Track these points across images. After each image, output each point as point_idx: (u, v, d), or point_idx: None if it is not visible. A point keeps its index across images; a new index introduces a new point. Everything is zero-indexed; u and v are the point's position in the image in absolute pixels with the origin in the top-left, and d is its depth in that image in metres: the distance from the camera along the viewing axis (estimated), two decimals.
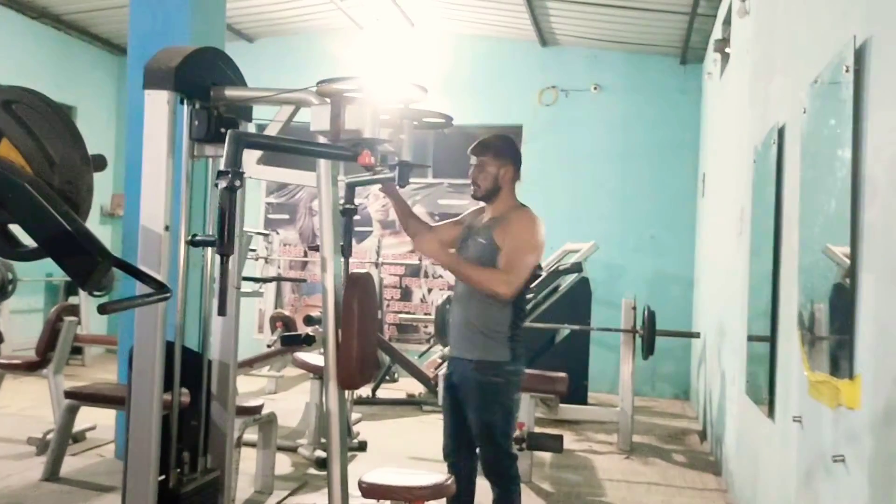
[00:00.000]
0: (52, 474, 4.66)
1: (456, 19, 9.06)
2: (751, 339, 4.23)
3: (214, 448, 3.09)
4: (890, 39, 2.17)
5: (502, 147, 3.37)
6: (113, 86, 10.07)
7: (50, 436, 4.94)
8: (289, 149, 2.85)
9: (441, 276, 9.50)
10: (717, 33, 6.89)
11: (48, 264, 9.64)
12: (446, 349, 7.32)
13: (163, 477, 2.82)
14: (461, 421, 3.39)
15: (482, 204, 3.48)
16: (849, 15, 2.55)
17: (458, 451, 3.48)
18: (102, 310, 1.92)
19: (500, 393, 3.25)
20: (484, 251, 3.26)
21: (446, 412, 3.52)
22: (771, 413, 3.56)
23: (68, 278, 9.76)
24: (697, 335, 7.19)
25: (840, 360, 2.41)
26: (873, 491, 2.13)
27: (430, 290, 9.52)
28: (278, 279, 8.73)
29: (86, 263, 1.96)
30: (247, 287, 7.46)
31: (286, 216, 9.95)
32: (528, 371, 5.89)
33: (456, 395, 3.39)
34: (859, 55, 2.34)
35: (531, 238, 3.27)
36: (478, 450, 3.39)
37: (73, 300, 8.51)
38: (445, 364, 3.58)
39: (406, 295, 9.59)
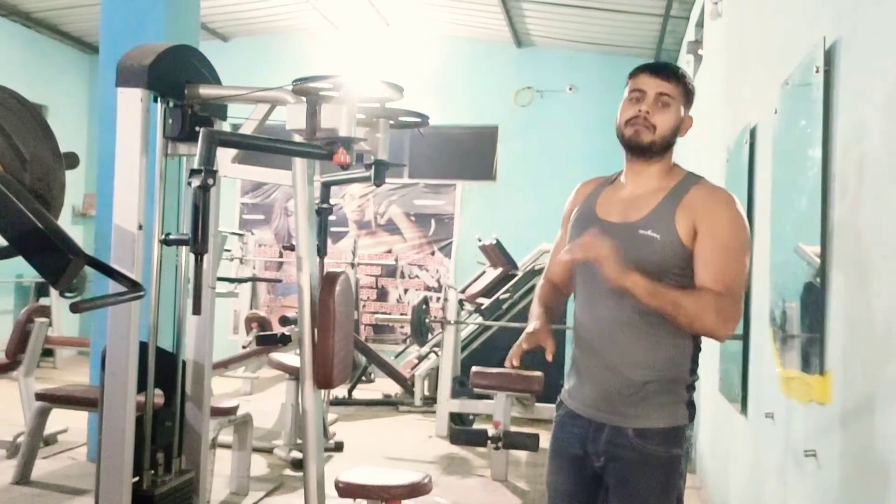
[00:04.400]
0: (23, 478, 4.59)
1: (431, 19, 9.07)
2: None
3: (189, 449, 3.06)
4: (859, 41, 2.21)
5: (692, 87, 2.21)
6: (84, 84, 9.95)
7: (21, 439, 4.87)
8: (263, 147, 2.83)
9: (417, 277, 9.50)
10: (689, 35, 6.97)
11: (18, 265, 9.51)
12: (423, 349, 7.35)
13: (136, 479, 2.79)
14: None
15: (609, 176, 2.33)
16: (819, 17, 2.59)
17: None
18: (75, 308, 1.90)
19: (681, 472, 2.09)
20: (663, 252, 2.01)
21: (562, 500, 2.23)
22: (744, 410, 3.60)
23: (39, 279, 9.62)
24: None
25: (811, 356, 2.45)
26: (844, 484, 2.17)
27: (406, 291, 9.51)
28: (253, 279, 8.67)
29: (58, 261, 1.93)
30: (222, 287, 7.40)
31: (261, 216, 9.89)
32: (503, 370, 5.95)
33: (587, 475, 2.15)
34: (829, 56, 2.38)
35: (738, 224, 2.05)
36: None
37: (44, 301, 8.40)
38: (559, 425, 2.25)
39: (382, 295, 9.58)
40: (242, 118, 3.06)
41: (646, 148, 2.11)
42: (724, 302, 1.95)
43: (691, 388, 2.12)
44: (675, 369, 2.07)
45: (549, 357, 2.08)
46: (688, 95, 2.15)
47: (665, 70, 2.14)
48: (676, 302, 1.94)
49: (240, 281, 8.11)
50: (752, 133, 3.59)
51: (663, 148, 2.11)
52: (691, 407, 2.10)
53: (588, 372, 2.15)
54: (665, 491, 2.05)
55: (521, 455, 5.65)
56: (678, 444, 2.05)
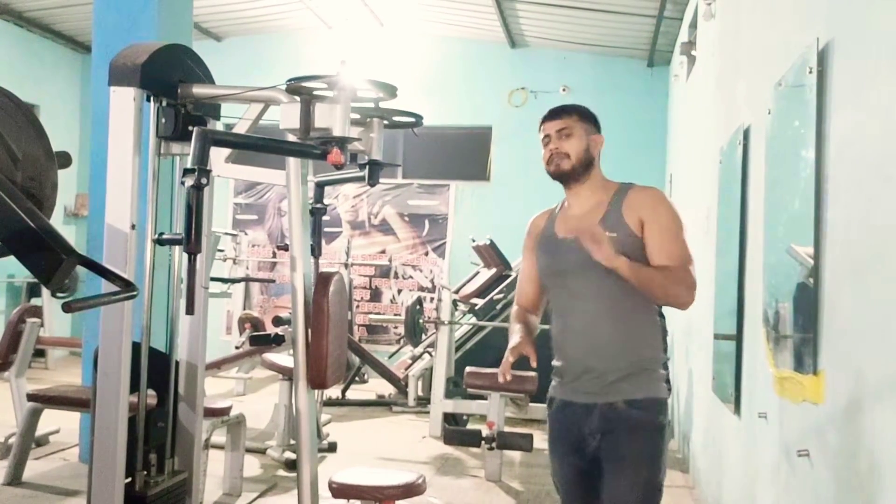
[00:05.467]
0: (14, 479, 4.57)
1: (425, 20, 9.07)
2: (717, 337, 4.29)
3: (182, 450, 3.05)
4: (852, 42, 2.22)
5: (587, 112, 2.57)
6: (76, 84, 9.91)
7: (12, 440, 4.84)
8: (257, 146, 2.83)
9: (411, 277, 9.49)
10: (683, 36, 6.98)
11: (10, 265, 9.46)
12: (416, 349, 7.34)
13: (129, 479, 2.78)
14: (596, 499, 2.39)
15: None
16: (812, 18, 2.59)
17: None
18: (67, 308, 1.89)
19: (666, 440, 2.38)
20: (624, 248, 2.30)
21: (570, 488, 2.46)
22: (737, 410, 3.61)
23: (31, 280, 9.59)
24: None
25: (804, 356, 2.45)
26: (837, 484, 2.17)
27: (399, 291, 9.51)
28: (247, 280, 8.66)
29: (50, 261, 1.92)
30: (215, 288, 7.39)
31: (254, 217, 9.87)
32: (497, 371, 5.93)
33: (587, 457, 2.38)
34: (822, 57, 2.38)
35: (672, 212, 2.42)
36: None
37: (35, 302, 8.37)
38: (554, 417, 2.50)
39: (376, 296, 9.57)
40: (236, 118, 3.05)
41: (570, 173, 2.49)
42: (684, 273, 2.33)
43: (665, 366, 2.41)
44: (650, 349, 2.38)
45: (534, 363, 2.31)
46: (585, 120, 2.53)
47: (557, 111, 2.56)
48: (652, 277, 2.30)
49: (233, 281, 8.10)
50: (746, 134, 3.60)
51: (584, 167, 2.48)
52: (668, 382, 2.41)
53: (575, 364, 2.41)
54: (653, 456, 2.33)
55: (515, 455, 5.64)
56: (663, 413, 2.36)
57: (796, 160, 2.60)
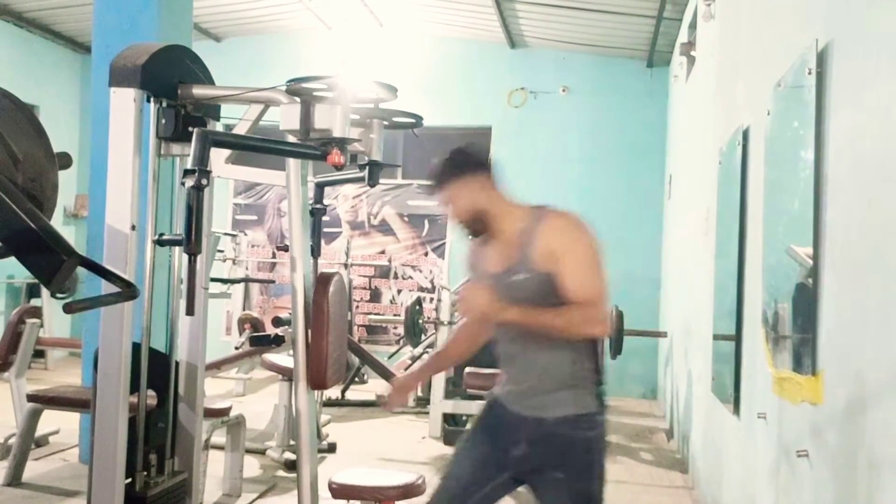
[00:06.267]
0: (14, 479, 4.57)
1: (425, 20, 9.07)
2: (716, 337, 4.29)
3: (182, 450, 3.06)
4: (851, 43, 2.22)
5: (450, 164, 2.47)
6: (76, 84, 9.91)
7: (12, 440, 4.84)
8: (257, 147, 2.83)
9: (410, 278, 9.49)
10: (682, 37, 6.99)
11: (9, 266, 9.44)
12: (416, 350, 7.34)
13: (129, 480, 2.79)
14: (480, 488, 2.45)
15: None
16: (811, 19, 2.60)
17: None
18: (68, 309, 1.90)
19: (598, 451, 2.41)
20: (534, 287, 2.33)
21: (465, 463, 2.50)
22: (736, 410, 3.61)
23: (30, 280, 9.58)
24: (664, 335, 7.27)
25: (803, 357, 2.46)
26: (836, 484, 2.18)
27: (399, 292, 9.51)
28: (246, 280, 8.66)
29: (51, 262, 1.93)
30: (214, 288, 7.39)
31: (254, 217, 9.87)
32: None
33: (503, 457, 2.43)
34: (821, 58, 2.39)
35: (585, 241, 2.38)
36: None
37: (35, 302, 8.36)
38: (488, 409, 2.55)
39: (375, 296, 9.57)
40: (236, 119, 3.05)
41: (479, 231, 2.47)
42: (586, 311, 2.28)
43: (597, 382, 2.42)
44: (577, 367, 2.38)
45: (384, 407, 2.50)
46: (456, 175, 2.43)
47: (430, 187, 2.51)
48: (547, 322, 2.29)
49: (232, 282, 8.10)
50: (745, 134, 3.60)
51: (483, 216, 2.43)
52: (600, 397, 2.41)
53: (511, 379, 2.46)
54: (583, 468, 2.37)
55: None
56: (593, 427, 2.38)
57: (796, 161, 2.61)
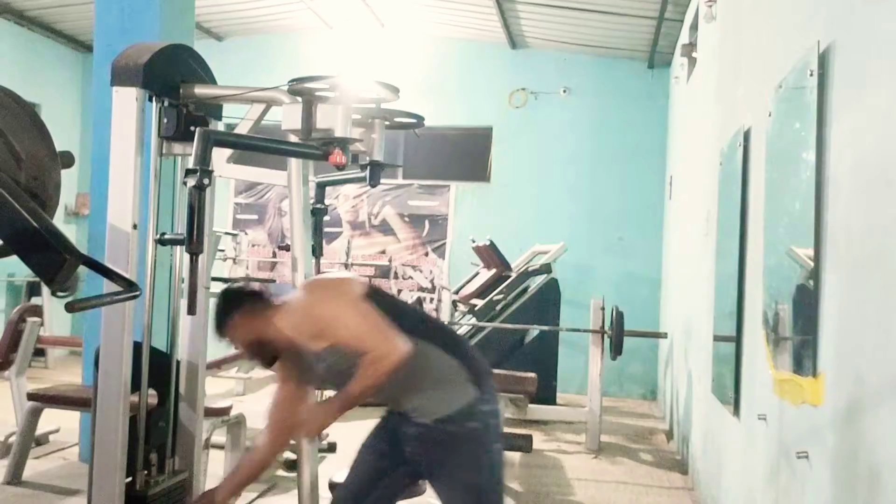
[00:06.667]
0: (14, 478, 4.57)
1: (426, 20, 9.07)
2: (717, 339, 4.29)
3: (182, 449, 3.06)
4: (853, 44, 2.22)
5: (221, 316, 2.53)
6: (77, 83, 9.91)
7: (12, 439, 4.84)
8: (259, 147, 2.84)
9: (411, 278, 9.50)
10: (684, 38, 6.99)
11: (9, 264, 9.43)
12: None
13: (129, 479, 2.79)
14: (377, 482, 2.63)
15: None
16: (813, 20, 2.60)
17: None
18: (70, 307, 1.90)
19: (482, 443, 2.49)
20: (338, 359, 2.47)
21: (365, 463, 2.67)
22: (736, 411, 3.61)
23: (31, 279, 9.57)
24: (665, 335, 7.27)
25: (804, 358, 2.46)
26: (836, 486, 2.18)
27: (399, 292, 9.51)
28: (247, 280, 8.64)
29: (53, 261, 1.93)
30: (215, 288, 7.37)
31: (255, 217, 9.87)
32: (498, 371, 5.94)
33: (396, 454, 2.59)
34: (823, 60, 2.39)
35: (329, 304, 2.48)
36: None
37: (35, 301, 8.36)
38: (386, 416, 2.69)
39: None
40: (237, 118, 3.06)
41: (267, 361, 2.58)
42: (370, 356, 2.36)
43: (470, 372, 2.48)
44: (435, 370, 2.48)
45: None
46: (225, 324, 2.50)
47: (219, 338, 2.57)
48: (363, 391, 2.41)
49: (233, 281, 8.09)
50: (746, 136, 3.60)
51: (271, 349, 2.52)
52: (478, 385, 2.48)
53: (384, 402, 2.64)
54: (472, 461, 2.46)
55: (515, 456, 5.65)
56: (471, 419, 2.45)
57: (797, 162, 2.61)
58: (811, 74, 2.43)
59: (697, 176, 5.60)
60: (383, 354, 2.34)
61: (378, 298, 2.51)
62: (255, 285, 2.66)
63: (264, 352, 2.53)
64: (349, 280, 2.56)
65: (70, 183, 9.25)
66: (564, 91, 9.12)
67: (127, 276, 2.34)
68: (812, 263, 2.39)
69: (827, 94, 2.36)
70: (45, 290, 8.78)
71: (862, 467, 1.98)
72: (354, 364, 2.37)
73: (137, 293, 2.26)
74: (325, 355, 2.47)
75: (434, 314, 6.69)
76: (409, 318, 2.52)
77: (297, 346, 2.48)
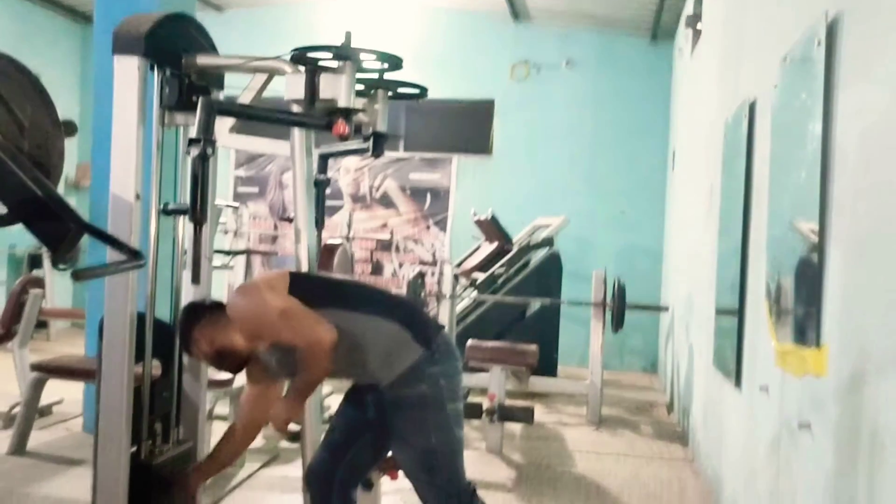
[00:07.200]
0: (19, 448, 4.61)
1: None
2: (719, 312, 4.30)
3: (186, 419, 3.08)
4: (861, 14, 2.20)
5: (183, 334, 2.68)
6: (76, 54, 9.85)
7: (16, 410, 4.87)
8: (262, 117, 2.82)
9: (412, 251, 9.50)
10: (688, 9, 6.92)
11: (11, 235, 9.42)
12: None
13: (135, 448, 2.81)
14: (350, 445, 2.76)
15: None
16: None
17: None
18: (77, 276, 1.90)
19: (433, 405, 2.55)
20: (282, 355, 2.61)
21: (340, 428, 2.79)
22: (738, 383, 3.63)
23: (32, 250, 9.54)
24: (666, 309, 7.29)
25: (807, 330, 2.46)
26: (838, 455, 2.19)
27: (401, 265, 9.52)
28: (248, 252, 8.64)
29: (58, 229, 1.92)
30: (217, 260, 7.38)
31: (255, 189, 9.85)
32: (499, 344, 5.96)
33: (366, 418, 2.71)
34: (831, 30, 2.37)
35: (259, 306, 2.55)
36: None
37: (37, 273, 8.37)
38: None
39: (377, 269, 9.58)
40: (239, 89, 3.03)
41: (232, 368, 2.73)
42: (302, 351, 2.49)
43: (413, 329, 2.56)
44: (384, 338, 2.55)
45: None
46: (192, 331, 2.61)
47: (188, 354, 2.78)
48: (308, 386, 2.60)
49: (235, 253, 8.10)
50: (751, 108, 3.58)
51: (227, 355, 2.62)
52: (421, 341, 2.54)
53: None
54: (421, 423, 2.55)
55: (516, 428, 5.69)
56: (419, 382, 2.53)
57: (803, 134, 2.59)
58: (819, 45, 2.41)
59: (701, 149, 5.57)
60: (312, 347, 2.45)
61: (305, 287, 2.61)
62: (210, 299, 2.75)
63: (228, 360, 2.64)
64: (272, 277, 2.65)
65: (70, 154, 9.19)
66: (567, 64, 9.06)
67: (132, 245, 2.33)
68: (816, 236, 2.39)
69: (834, 65, 2.34)
70: (47, 262, 8.80)
71: (864, 436, 1.99)
72: (298, 356, 2.51)
73: (143, 262, 2.25)
74: (271, 353, 2.61)
75: (433, 290, 6.69)
76: (341, 296, 2.64)
77: (250, 350, 2.60)
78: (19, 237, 8.95)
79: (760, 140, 3.40)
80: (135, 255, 2.20)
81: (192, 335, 2.62)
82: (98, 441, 2.74)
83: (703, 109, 5.62)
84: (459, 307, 7.12)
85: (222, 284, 9.32)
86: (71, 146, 8.92)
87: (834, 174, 2.31)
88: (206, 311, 2.63)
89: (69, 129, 2.55)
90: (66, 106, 9.19)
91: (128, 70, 2.65)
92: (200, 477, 2.88)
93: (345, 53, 2.56)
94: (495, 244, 7.68)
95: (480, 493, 2.73)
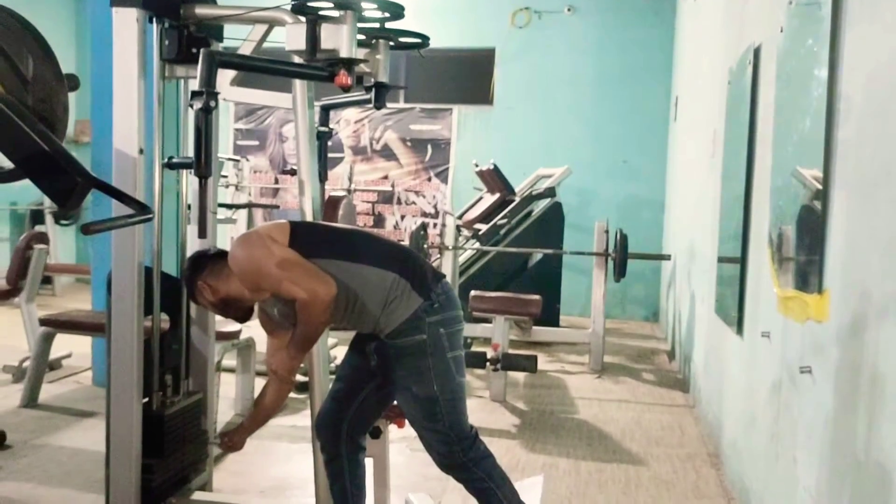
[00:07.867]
0: (31, 401, 4.69)
1: None
2: (721, 260, 4.32)
3: (196, 371, 3.12)
4: None
5: (188, 284, 2.73)
6: (71, 8, 9.71)
7: (26, 363, 4.94)
8: (263, 69, 2.79)
9: (414, 203, 9.49)
10: None
11: (13, 192, 9.38)
12: None
13: (146, 399, 2.86)
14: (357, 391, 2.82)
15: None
16: None
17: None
18: (86, 230, 1.91)
19: (431, 352, 2.58)
20: (281, 305, 2.65)
21: (344, 375, 2.84)
22: (739, 330, 3.66)
23: (34, 207, 9.52)
24: (668, 257, 7.32)
25: (809, 276, 2.48)
26: (838, 398, 2.23)
27: (402, 217, 9.52)
28: (250, 206, 8.65)
29: (65, 183, 1.93)
30: (220, 214, 7.39)
31: (255, 142, 9.80)
32: (502, 294, 6.00)
33: (368, 366, 2.75)
34: None
35: (253, 258, 2.55)
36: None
37: (39, 229, 8.38)
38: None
39: (379, 222, 9.58)
40: (239, 40, 3.00)
41: (239, 317, 2.77)
42: (298, 304, 2.50)
43: (412, 278, 2.58)
44: (382, 289, 2.56)
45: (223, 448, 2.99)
46: (196, 280, 2.66)
47: (195, 302, 2.80)
48: (307, 340, 2.61)
49: (237, 207, 8.10)
50: (756, 53, 3.55)
51: (232, 303, 2.67)
52: (420, 289, 2.57)
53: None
54: (423, 372, 2.58)
55: (519, 377, 5.76)
56: (419, 331, 2.56)
57: (808, 79, 2.57)
58: None
59: (704, 96, 5.53)
60: (309, 299, 2.46)
61: (305, 237, 2.61)
62: (214, 248, 2.77)
63: (234, 309, 2.68)
64: (273, 228, 2.62)
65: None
66: (569, 10, 8.92)
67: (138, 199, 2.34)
68: (819, 184, 2.39)
69: (842, 8, 2.31)
70: (49, 218, 8.81)
71: (864, 379, 2.02)
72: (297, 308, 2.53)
73: (151, 216, 2.26)
74: (271, 302, 2.65)
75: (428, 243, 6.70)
76: (341, 247, 2.62)
77: (254, 299, 2.64)
78: (21, 194, 8.93)
79: (765, 86, 3.37)
80: (143, 209, 2.21)
81: (196, 285, 2.66)
82: (110, 393, 2.79)
83: (707, 55, 5.56)
84: (462, 258, 7.15)
85: (226, 238, 9.37)
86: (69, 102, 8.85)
87: (839, 118, 2.30)
88: (208, 261, 2.65)
89: (72, 83, 2.53)
90: (62, 61, 9.08)
91: (126, 22, 2.63)
92: (245, 433, 2.95)
93: (345, 2, 2.52)
94: (497, 195, 7.67)
95: (485, 439, 2.78)
